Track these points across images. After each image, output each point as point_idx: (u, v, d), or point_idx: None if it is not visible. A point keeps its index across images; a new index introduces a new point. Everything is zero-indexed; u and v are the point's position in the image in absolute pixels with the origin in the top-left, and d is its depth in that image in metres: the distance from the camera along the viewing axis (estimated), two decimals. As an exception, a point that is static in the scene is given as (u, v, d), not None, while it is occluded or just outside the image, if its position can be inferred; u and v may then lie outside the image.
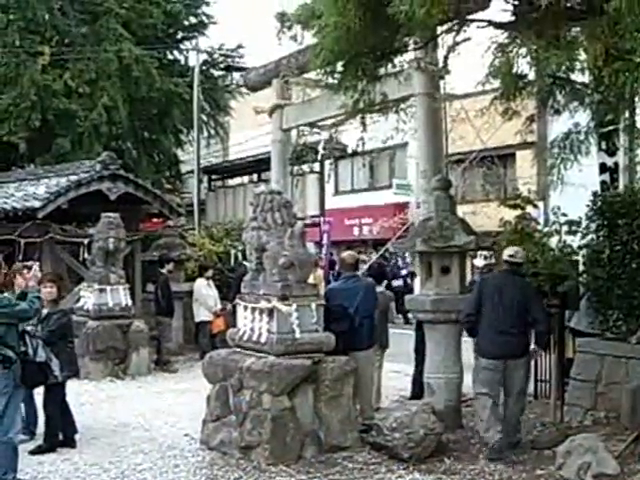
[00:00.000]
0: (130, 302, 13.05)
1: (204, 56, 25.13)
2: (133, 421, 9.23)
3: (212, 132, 26.57)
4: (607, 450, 6.58)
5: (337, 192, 28.59)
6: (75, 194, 13.76)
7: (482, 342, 7.71)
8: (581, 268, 9.18)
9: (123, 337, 12.55)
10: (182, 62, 25.32)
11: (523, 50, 6.22)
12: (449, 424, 8.03)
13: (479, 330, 7.65)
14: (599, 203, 8.96)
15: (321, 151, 16.61)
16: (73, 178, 14.14)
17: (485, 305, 7.52)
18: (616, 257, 8.72)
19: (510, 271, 7.70)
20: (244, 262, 12.51)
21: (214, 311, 13.75)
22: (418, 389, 9.25)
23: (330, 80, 8.10)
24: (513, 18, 6.83)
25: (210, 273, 14.47)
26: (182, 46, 25.28)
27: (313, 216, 22.92)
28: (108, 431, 8.77)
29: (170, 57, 24.92)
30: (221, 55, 25.72)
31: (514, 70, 6.66)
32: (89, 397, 10.73)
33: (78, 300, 13.15)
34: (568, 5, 5.69)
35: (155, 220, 17.89)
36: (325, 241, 20.73)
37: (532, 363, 9.97)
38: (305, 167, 18.12)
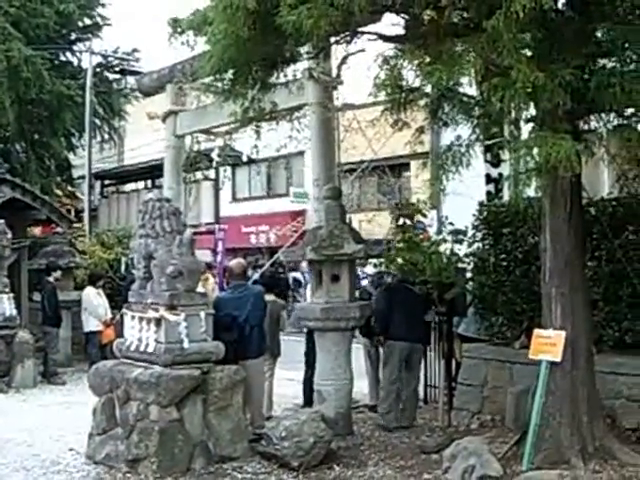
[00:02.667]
0: (15, 312, 12.66)
1: (98, 59, 24.64)
2: (16, 436, 8.87)
3: (106, 136, 26.04)
4: (491, 452, 6.71)
5: (234, 199, 28.48)
6: (-43, 198, 13.24)
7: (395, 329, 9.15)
8: (469, 275, 9.44)
9: (7, 348, 12.20)
10: (75, 64, 24.63)
11: (410, 63, 6.32)
12: (339, 431, 8.07)
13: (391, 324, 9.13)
14: (485, 213, 9.23)
15: (215, 158, 16.47)
16: (-45, 182, 13.58)
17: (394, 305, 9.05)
18: (500, 265, 8.99)
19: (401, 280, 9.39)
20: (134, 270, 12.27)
21: (104, 321, 13.42)
22: (309, 396, 9.30)
23: (221, 87, 8.03)
24: (402, 32, 6.94)
25: (101, 282, 14.16)
26: (75, 47, 24.61)
27: (208, 223, 22.76)
28: (-13, 447, 8.41)
29: (62, 58, 24.20)
30: (116, 58, 25.23)
31: (402, 82, 6.77)
32: (-33, 412, 10.29)
33: (-41, 310, 12.63)
34: (452, 21, 5.82)
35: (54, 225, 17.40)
36: (220, 248, 20.61)
37: (422, 368, 10.26)
38: (200, 174, 17.98)
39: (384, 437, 8.56)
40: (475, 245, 9.27)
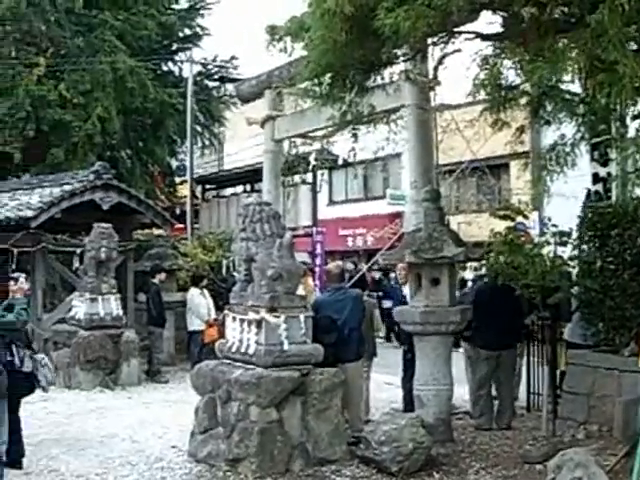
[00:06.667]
0: (121, 312, 13.07)
1: (198, 67, 25.25)
2: (121, 432, 9.16)
3: (206, 142, 26.64)
4: (598, 465, 6.40)
5: (331, 202, 28.59)
6: (68, 204, 13.68)
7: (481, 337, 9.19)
8: (574, 279, 9.13)
9: (114, 347, 12.55)
10: (176, 73, 25.40)
11: (510, 61, 6.21)
12: (439, 437, 7.94)
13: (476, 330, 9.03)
14: (590, 214, 8.92)
15: (313, 162, 16.61)
16: (66, 188, 14.05)
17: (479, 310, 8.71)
18: (608, 268, 8.67)
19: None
20: (234, 273, 12.48)
21: (207, 320, 13.68)
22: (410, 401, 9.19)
23: (319, 92, 8.08)
24: (501, 30, 6.81)
25: (204, 282, 14.47)
26: (176, 57, 25.35)
27: (306, 226, 22.93)
28: (96, 442, 8.69)
29: (164, 68, 24.99)
30: (215, 66, 25.81)
31: (502, 81, 6.65)
32: (78, 408, 10.69)
33: (70, 310, 13.17)
34: (553, 17, 5.67)
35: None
36: (319, 251, 20.73)
37: (525, 375, 10.01)
38: (297, 178, 18.23)
39: (485, 445, 8.37)
40: (581, 247, 8.96)
